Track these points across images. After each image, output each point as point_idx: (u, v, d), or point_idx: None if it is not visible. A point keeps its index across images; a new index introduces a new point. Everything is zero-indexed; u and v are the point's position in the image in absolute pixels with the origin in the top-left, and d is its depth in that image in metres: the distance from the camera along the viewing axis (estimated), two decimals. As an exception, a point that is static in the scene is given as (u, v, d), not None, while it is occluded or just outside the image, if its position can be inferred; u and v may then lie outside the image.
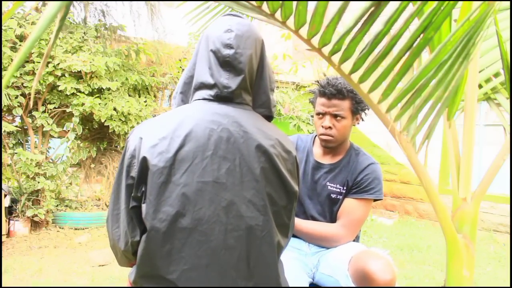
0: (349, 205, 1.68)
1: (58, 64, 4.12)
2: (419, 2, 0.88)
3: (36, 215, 4.20)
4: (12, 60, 3.92)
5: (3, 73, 3.87)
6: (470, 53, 0.88)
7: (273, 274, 1.08)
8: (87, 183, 4.92)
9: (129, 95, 4.70)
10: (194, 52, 1.17)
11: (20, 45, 4.06)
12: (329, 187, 1.71)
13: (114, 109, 4.38)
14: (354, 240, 1.71)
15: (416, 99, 0.98)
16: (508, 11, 1.36)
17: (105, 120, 4.39)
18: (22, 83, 4.11)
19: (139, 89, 4.86)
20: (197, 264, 1.00)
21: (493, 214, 4.69)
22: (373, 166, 1.71)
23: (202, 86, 1.10)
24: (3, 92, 3.89)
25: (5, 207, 4.10)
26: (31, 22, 4.18)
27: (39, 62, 4.07)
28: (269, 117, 1.19)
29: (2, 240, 3.89)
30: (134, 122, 4.53)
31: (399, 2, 0.87)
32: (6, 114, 4.37)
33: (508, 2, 1.31)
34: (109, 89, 4.43)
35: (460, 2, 1.03)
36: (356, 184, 1.68)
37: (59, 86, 4.20)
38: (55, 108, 4.39)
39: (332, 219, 1.71)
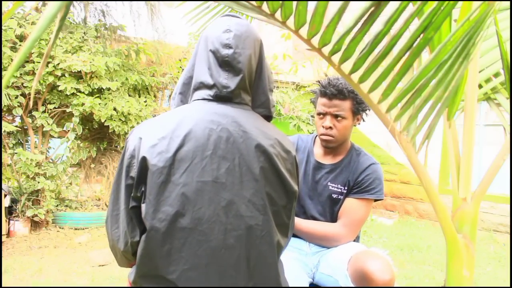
0: (350, 205, 1.68)
1: (58, 64, 4.12)
2: (419, 2, 0.88)
3: (36, 215, 4.20)
4: (12, 60, 3.92)
5: (3, 73, 3.87)
6: (470, 53, 0.88)
7: (273, 274, 1.08)
8: (87, 183, 4.92)
9: (129, 95, 4.70)
10: (193, 53, 1.17)
11: (20, 45, 4.06)
12: (330, 187, 1.71)
13: (114, 109, 4.38)
14: (354, 240, 1.71)
15: (416, 99, 0.98)
16: (508, 11, 1.36)
17: (105, 120, 4.39)
18: (22, 83, 4.11)
19: (139, 89, 4.86)
20: (197, 264, 1.00)
21: (493, 214, 4.69)
22: (374, 166, 1.71)
23: (202, 86, 1.10)
24: (3, 92, 3.89)
25: (5, 207, 4.10)
26: (31, 22, 4.18)
27: (39, 62, 4.07)
28: (268, 117, 1.19)
29: (2, 240, 3.89)
30: (134, 122, 4.53)
31: (399, 2, 0.87)
32: (6, 114, 4.37)
33: (508, 2, 1.31)
34: (109, 89, 4.43)
35: (460, 2, 1.03)
36: (357, 184, 1.68)
37: (59, 86, 4.20)
38: (55, 108, 4.39)
39: (333, 219, 1.72)
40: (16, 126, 4.32)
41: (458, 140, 1.19)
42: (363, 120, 1.74)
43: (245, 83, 1.10)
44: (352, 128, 1.71)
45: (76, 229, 4.46)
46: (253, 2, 0.99)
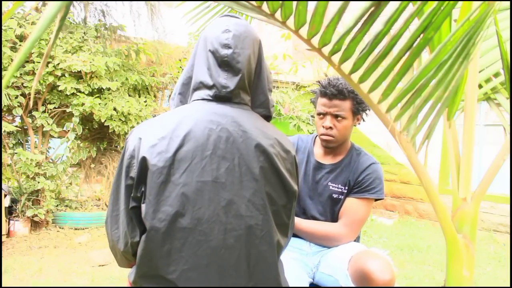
0: (351, 204, 1.68)
1: (58, 64, 4.12)
2: (419, 2, 0.88)
3: (36, 215, 4.20)
4: (12, 60, 3.92)
5: (3, 73, 3.87)
6: (470, 53, 0.88)
7: (273, 274, 1.08)
8: (87, 183, 4.92)
9: (129, 95, 4.70)
10: (192, 54, 1.17)
11: (20, 45, 4.06)
12: (331, 187, 1.71)
13: (114, 109, 4.38)
14: (354, 240, 1.71)
15: (416, 99, 0.98)
16: (508, 11, 1.36)
17: (105, 120, 4.39)
18: (22, 83, 4.11)
19: (139, 89, 4.86)
20: (197, 263, 1.00)
21: (493, 214, 4.69)
22: (374, 166, 1.71)
23: (201, 86, 1.10)
24: (3, 92, 3.89)
25: (5, 207, 4.10)
26: (31, 22, 4.18)
27: (39, 62, 4.07)
28: (267, 117, 1.19)
29: (2, 240, 3.89)
30: (134, 122, 4.53)
31: (399, 2, 0.87)
32: (6, 114, 4.37)
33: (508, 2, 1.31)
34: (109, 89, 4.43)
35: (460, 2, 1.03)
36: (357, 184, 1.69)
37: (59, 86, 4.20)
38: (55, 108, 4.39)
39: (333, 219, 1.72)
40: (16, 126, 4.32)
41: (458, 140, 1.19)
42: (363, 120, 1.74)
43: (245, 83, 1.10)
44: (352, 128, 1.71)
45: (76, 229, 4.46)
46: (253, 2, 0.99)
